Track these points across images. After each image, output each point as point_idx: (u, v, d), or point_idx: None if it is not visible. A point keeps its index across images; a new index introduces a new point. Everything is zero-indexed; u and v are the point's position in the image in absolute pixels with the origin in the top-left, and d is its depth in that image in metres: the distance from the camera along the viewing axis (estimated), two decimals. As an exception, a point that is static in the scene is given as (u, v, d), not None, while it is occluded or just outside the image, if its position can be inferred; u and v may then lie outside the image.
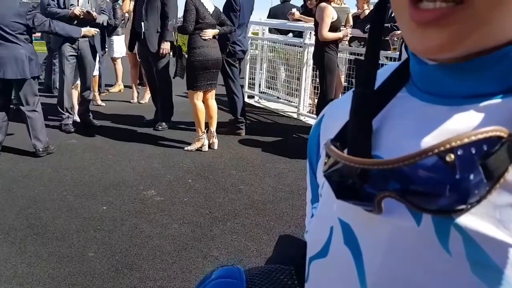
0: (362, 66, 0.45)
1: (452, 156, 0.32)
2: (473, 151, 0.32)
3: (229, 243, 2.95)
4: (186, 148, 4.71)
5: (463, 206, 0.33)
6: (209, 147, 4.76)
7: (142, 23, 5.17)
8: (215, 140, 4.79)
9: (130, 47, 5.64)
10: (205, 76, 4.58)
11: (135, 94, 6.96)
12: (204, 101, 4.66)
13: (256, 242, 2.97)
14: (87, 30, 4.87)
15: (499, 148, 0.33)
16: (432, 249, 0.36)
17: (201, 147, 4.70)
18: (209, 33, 4.56)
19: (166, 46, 5.26)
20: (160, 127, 5.42)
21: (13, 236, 2.91)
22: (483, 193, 0.33)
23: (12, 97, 4.86)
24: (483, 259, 0.34)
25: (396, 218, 0.38)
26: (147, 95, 6.76)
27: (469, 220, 0.34)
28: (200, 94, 4.63)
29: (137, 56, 5.90)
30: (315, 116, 5.65)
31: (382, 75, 0.47)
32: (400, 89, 0.45)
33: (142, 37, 5.22)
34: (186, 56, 4.71)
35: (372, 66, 0.44)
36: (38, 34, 8.15)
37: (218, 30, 4.66)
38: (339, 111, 0.51)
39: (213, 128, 4.76)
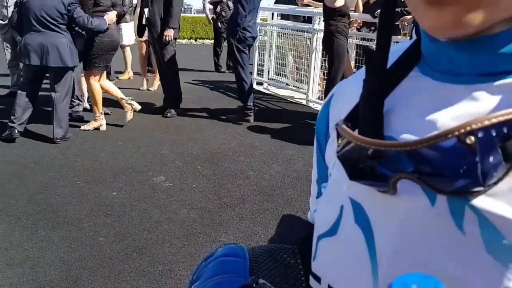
0: (373, 53, 0.44)
1: (473, 138, 0.32)
2: (494, 134, 0.32)
3: (237, 228, 2.97)
4: (82, 128, 4.80)
5: (480, 188, 0.33)
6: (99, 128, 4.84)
7: (146, 10, 5.19)
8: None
9: (140, 33, 5.66)
10: (107, 58, 4.70)
11: (145, 81, 6.97)
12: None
13: (264, 227, 2.98)
14: (110, 19, 4.87)
15: None
16: (446, 229, 0.36)
17: (98, 127, 4.82)
18: (113, 15, 4.65)
19: (169, 33, 5.23)
20: (169, 114, 5.45)
21: (24, 221, 2.96)
22: (500, 175, 0.33)
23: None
24: (497, 239, 0.34)
25: (409, 198, 0.38)
26: (157, 82, 6.77)
27: (485, 200, 0.34)
28: (97, 76, 4.68)
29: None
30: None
31: (394, 53, 0.46)
32: (412, 69, 0.45)
33: (146, 23, 5.24)
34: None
35: (384, 52, 0.44)
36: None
37: (116, 12, 4.76)
38: (349, 92, 0.51)
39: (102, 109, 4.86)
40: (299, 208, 3.25)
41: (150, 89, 6.88)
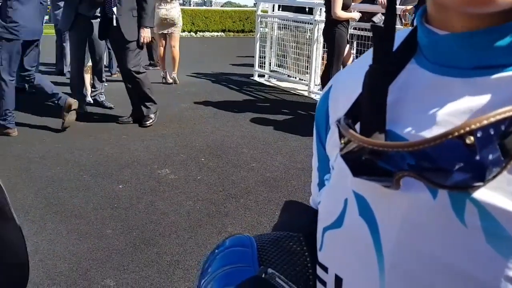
0: (381, 41, 0.44)
1: (472, 138, 0.33)
2: (492, 132, 0.33)
3: (243, 219, 3.00)
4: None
5: (480, 183, 0.34)
6: None
7: (115, 8, 4.44)
8: None
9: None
10: None
11: (167, 74, 6.91)
12: None
13: (269, 217, 3.02)
14: None
15: None
16: (448, 222, 0.37)
17: None
18: None
19: (146, 34, 4.58)
20: (147, 122, 4.80)
21: (32, 215, 3.00)
22: (499, 170, 0.34)
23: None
24: (498, 231, 0.35)
25: (412, 192, 0.39)
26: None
27: (485, 194, 0.36)
28: None
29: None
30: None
31: None
32: (409, 60, 0.45)
33: (115, 24, 4.47)
34: None
35: (391, 41, 0.44)
36: (46, 17, 8.19)
37: None
38: (349, 82, 0.51)
39: None
40: (304, 199, 3.24)
41: (169, 81, 6.88)
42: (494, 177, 0.34)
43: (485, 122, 0.33)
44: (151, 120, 4.84)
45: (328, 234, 0.48)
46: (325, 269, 0.49)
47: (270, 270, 0.51)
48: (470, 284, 0.36)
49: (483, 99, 0.38)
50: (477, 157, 0.33)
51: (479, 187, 0.35)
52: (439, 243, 0.38)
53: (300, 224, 0.59)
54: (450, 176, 0.34)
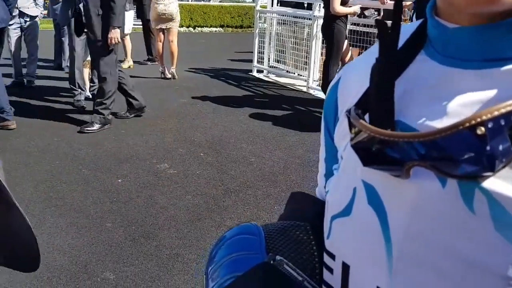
0: (387, 34, 0.45)
1: (483, 129, 0.33)
2: (503, 123, 0.34)
3: (242, 213, 3.01)
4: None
5: (490, 173, 0.35)
6: None
7: (81, 4, 4.25)
8: None
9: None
10: None
11: (166, 69, 6.90)
12: None
13: (268, 212, 3.03)
14: None
15: None
16: (457, 209, 0.38)
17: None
18: None
19: (114, 35, 4.22)
20: (87, 129, 4.44)
21: (32, 208, 3.00)
22: (509, 160, 0.35)
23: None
24: (506, 219, 0.35)
25: (421, 181, 0.40)
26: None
27: (494, 182, 0.36)
28: None
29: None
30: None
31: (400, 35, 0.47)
32: (419, 51, 0.46)
33: (84, 21, 4.30)
34: None
35: (397, 33, 0.45)
36: (45, 12, 8.17)
37: None
38: (357, 74, 0.52)
39: None
40: (302, 193, 3.29)
41: (168, 75, 6.87)
42: (504, 167, 0.35)
43: (496, 113, 0.34)
44: (91, 129, 4.43)
45: (336, 222, 0.49)
46: (332, 256, 0.49)
47: (278, 257, 0.52)
48: (478, 270, 0.36)
49: (493, 90, 0.38)
50: (488, 148, 0.34)
51: (488, 176, 0.35)
52: (448, 230, 0.38)
53: (306, 215, 0.60)
54: (460, 166, 0.35)
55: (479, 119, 0.34)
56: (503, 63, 0.39)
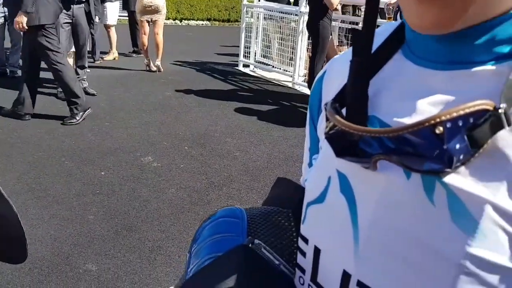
0: (359, 34, 0.48)
1: (441, 128, 0.36)
2: (460, 124, 0.36)
3: (225, 207, 3.04)
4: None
5: (448, 170, 0.37)
6: None
7: None
8: None
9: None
10: None
11: (151, 61, 6.84)
12: None
13: (251, 206, 3.06)
14: None
15: (484, 121, 0.36)
16: (419, 200, 0.40)
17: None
18: None
19: (20, 19, 3.98)
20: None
21: (14, 200, 2.97)
22: (467, 158, 0.37)
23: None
24: (462, 210, 0.38)
25: (388, 173, 0.43)
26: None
27: (453, 178, 0.39)
28: None
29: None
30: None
31: (380, 34, 0.49)
32: (396, 51, 0.48)
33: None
34: None
35: (370, 34, 0.47)
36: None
37: None
38: (340, 68, 0.55)
39: None
40: (285, 188, 3.32)
41: (153, 68, 6.83)
42: (462, 164, 0.38)
43: (454, 114, 0.36)
44: (74, 121, 4.41)
45: (311, 208, 0.52)
46: (306, 240, 0.52)
47: (256, 241, 0.55)
48: (436, 257, 0.40)
49: (459, 92, 0.41)
50: (445, 146, 0.36)
51: (448, 172, 0.38)
52: (410, 219, 0.41)
53: (289, 201, 0.62)
54: (422, 161, 0.38)
55: (438, 119, 0.36)
56: (471, 66, 0.41)
